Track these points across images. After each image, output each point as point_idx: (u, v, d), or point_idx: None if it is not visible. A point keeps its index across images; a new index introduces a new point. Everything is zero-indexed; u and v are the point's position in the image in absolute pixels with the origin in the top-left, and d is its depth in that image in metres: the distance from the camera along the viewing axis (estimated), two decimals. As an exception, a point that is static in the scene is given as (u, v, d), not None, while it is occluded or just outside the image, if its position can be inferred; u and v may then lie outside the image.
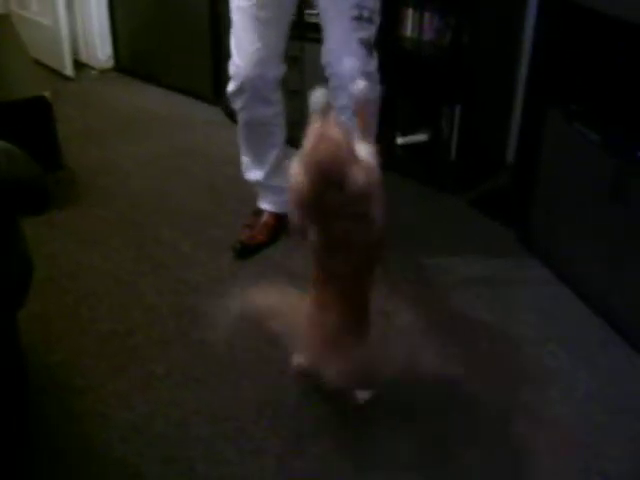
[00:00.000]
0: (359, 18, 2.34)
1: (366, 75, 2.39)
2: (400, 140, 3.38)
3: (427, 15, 3.15)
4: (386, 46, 3.20)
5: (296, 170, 1.63)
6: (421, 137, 3.35)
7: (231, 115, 3.76)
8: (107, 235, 2.80)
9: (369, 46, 2.40)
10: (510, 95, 3.25)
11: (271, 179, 2.68)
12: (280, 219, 2.76)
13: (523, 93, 3.04)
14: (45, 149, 2.89)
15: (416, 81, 3.27)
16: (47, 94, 2.87)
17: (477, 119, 3.13)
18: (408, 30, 3.23)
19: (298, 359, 1.98)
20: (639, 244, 2.20)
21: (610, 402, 2.08)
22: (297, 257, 2.67)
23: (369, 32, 2.38)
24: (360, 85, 1.90)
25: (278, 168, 2.68)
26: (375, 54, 2.45)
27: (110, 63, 4.51)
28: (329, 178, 1.59)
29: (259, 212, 2.78)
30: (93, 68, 4.48)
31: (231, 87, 2.50)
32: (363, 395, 1.99)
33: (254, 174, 2.70)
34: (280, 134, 2.66)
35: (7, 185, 1.45)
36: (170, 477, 1.82)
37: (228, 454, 1.88)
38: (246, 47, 2.40)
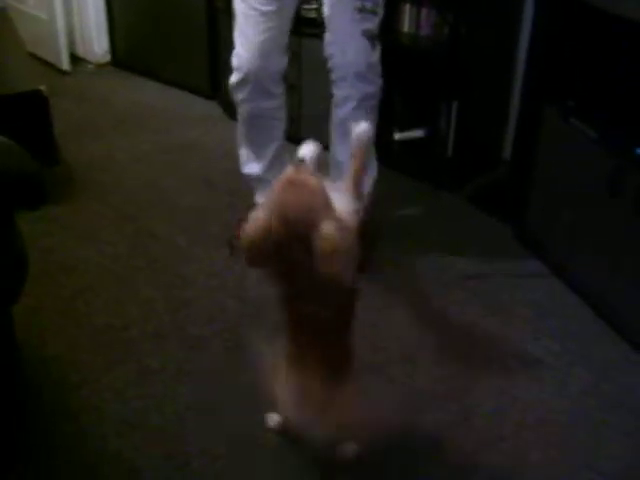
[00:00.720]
0: (362, 10, 2.35)
1: (368, 67, 2.43)
2: (397, 136, 3.37)
3: (424, 10, 3.14)
4: (383, 41, 3.20)
5: (259, 214, 1.48)
6: (418, 133, 3.34)
7: (228, 110, 3.76)
8: (103, 230, 2.79)
9: (372, 38, 2.41)
10: (507, 91, 3.24)
11: (269, 173, 2.68)
12: None
13: (520, 89, 3.03)
14: (41, 144, 2.88)
15: (413, 77, 3.26)
16: (43, 88, 2.86)
17: (474, 115, 3.13)
18: (405, 25, 3.22)
19: (274, 419, 1.90)
20: (636, 240, 2.21)
21: (606, 398, 2.08)
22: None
23: (372, 24, 2.39)
24: (363, 126, 1.75)
25: (277, 162, 2.67)
26: (378, 46, 2.46)
27: (107, 57, 4.49)
28: (295, 228, 1.42)
29: (255, 207, 2.77)
30: (90, 62, 4.47)
31: (234, 79, 2.50)
32: (350, 449, 1.81)
33: (252, 168, 2.69)
34: (280, 128, 2.66)
35: (2, 179, 1.44)
36: (166, 472, 1.82)
37: (224, 450, 1.88)
38: (250, 39, 2.40)
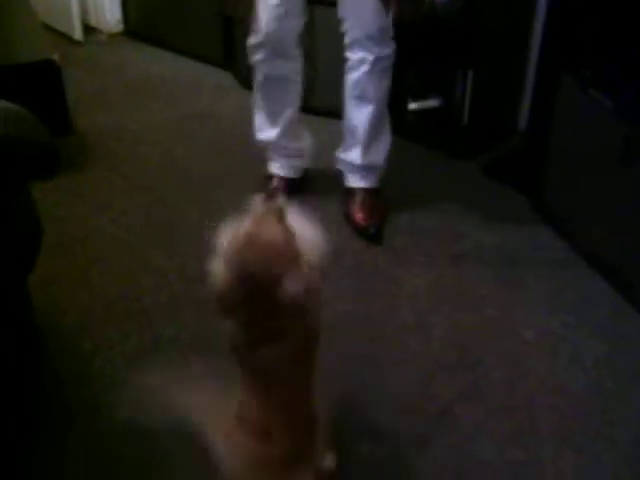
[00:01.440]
0: None
1: (381, 30, 2.42)
2: (412, 105, 3.34)
3: (440, -23, 3.10)
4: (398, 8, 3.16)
5: (217, 268, 1.38)
6: (433, 102, 3.31)
7: (241, 79, 3.74)
8: (116, 199, 2.79)
9: (387, 1, 2.38)
10: (523, 60, 3.20)
11: (284, 139, 2.68)
12: (290, 184, 2.75)
13: (537, 57, 2.99)
14: (54, 113, 2.88)
15: (428, 45, 3.23)
16: (56, 57, 2.85)
17: (489, 84, 3.09)
18: (421, -8, 3.18)
19: None
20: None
21: (619, 369, 2.08)
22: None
23: None
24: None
25: (291, 128, 2.68)
26: (391, 9, 2.42)
27: (119, 27, 4.46)
28: (258, 285, 1.31)
29: (269, 177, 2.77)
30: (102, 32, 4.44)
31: (252, 40, 2.51)
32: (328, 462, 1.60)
33: (266, 134, 2.69)
34: (296, 92, 2.66)
35: (17, 148, 1.44)
36: (179, 438, 1.83)
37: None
38: (266, 1, 2.40)
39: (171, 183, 2.90)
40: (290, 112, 2.66)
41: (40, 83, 2.83)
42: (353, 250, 2.55)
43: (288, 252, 1.31)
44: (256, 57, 2.54)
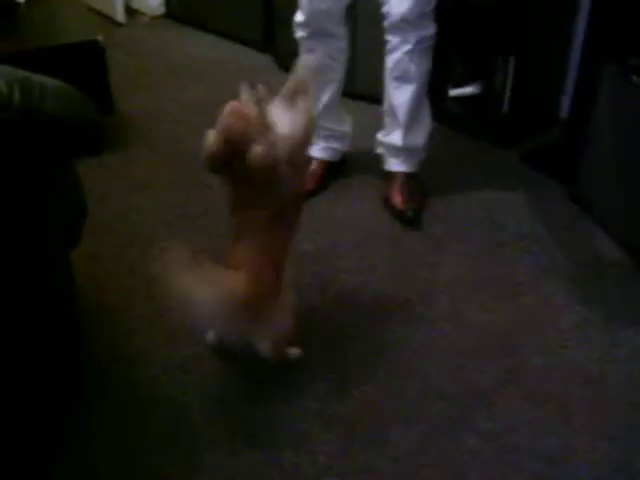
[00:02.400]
0: None
1: (422, 15, 2.42)
2: (452, 92, 3.32)
3: (483, -38, 3.07)
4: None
5: (212, 134, 1.78)
6: (473, 89, 3.29)
7: (282, 62, 3.75)
8: (157, 179, 2.83)
9: None
10: (567, 47, 3.17)
11: (324, 120, 2.68)
12: (329, 167, 2.76)
13: (581, 45, 2.96)
14: (97, 93, 2.90)
15: (469, 31, 3.20)
16: (100, 38, 2.88)
17: (531, 71, 3.07)
18: (463, -22, 3.16)
19: (210, 336, 2.03)
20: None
21: (656, 361, 2.07)
22: (343, 207, 2.68)
23: None
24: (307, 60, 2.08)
25: (332, 110, 2.69)
26: None
27: (161, 10, 4.50)
28: (234, 146, 1.73)
29: (309, 158, 2.78)
30: (144, 15, 4.48)
31: (298, 17, 2.55)
32: (295, 352, 2.00)
33: None
34: (340, 71, 2.67)
35: (65, 123, 1.47)
36: (216, 416, 1.87)
37: (274, 397, 1.92)
38: None
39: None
40: (332, 89, 2.66)
41: (84, 63, 2.86)
42: (390, 235, 2.56)
43: (260, 125, 1.74)
44: (299, 34, 2.57)
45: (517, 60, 3.01)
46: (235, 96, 1.81)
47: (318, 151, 2.77)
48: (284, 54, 3.73)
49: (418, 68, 2.52)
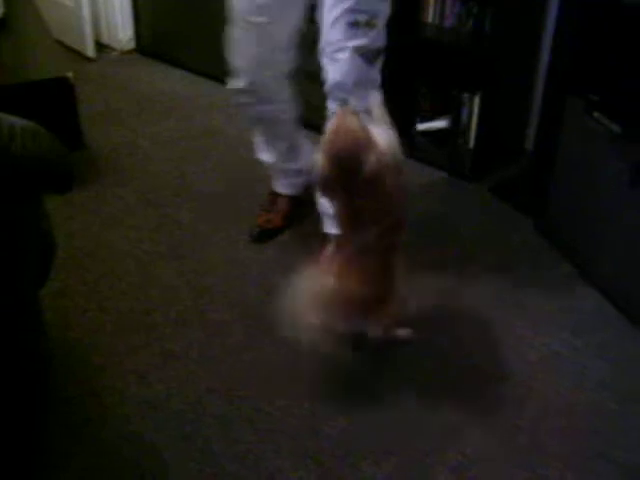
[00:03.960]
0: (355, 24, 2.12)
1: (358, 84, 2.18)
2: (420, 126, 3.37)
3: (449, 1, 3.14)
4: (407, 32, 3.20)
5: (319, 159, 1.84)
6: (441, 124, 3.34)
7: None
8: (126, 215, 2.82)
9: (368, 54, 2.18)
10: (531, 83, 3.24)
11: (284, 163, 2.69)
12: (295, 203, 2.77)
13: (544, 81, 3.03)
14: (67, 129, 2.92)
15: (437, 68, 3.27)
16: (70, 75, 2.89)
17: (497, 106, 3.13)
18: (429, 16, 3.22)
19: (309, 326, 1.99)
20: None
21: (622, 390, 2.10)
22: (314, 241, 2.69)
23: (368, 39, 2.15)
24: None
25: (292, 152, 2.68)
26: (378, 61, 2.25)
27: (131, 44, 4.52)
28: (347, 166, 1.81)
29: (275, 195, 2.80)
30: (114, 49, 4.50)
31: (234, 85, 2.44)
32: (405, 332, 2.20)
33: (266, 156, 2.71)
34: (288, 125, 2.61)
35: (32, 164, 1.47)
36: (186, 454, 1.85)
37: (244, 433, 1.91)
38: (244, 51, 2.34)
39: (181, 199, 2.93)
40: (284, 144, 2.64)
41: (53, 99, 2.87)
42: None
43: (365, 139, 1.81)
44: (240, 100, 2.48)
45: (483, 95, 3.07)
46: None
47: (283, 187, 2.78)
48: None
49: None
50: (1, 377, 1.68)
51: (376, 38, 2.19)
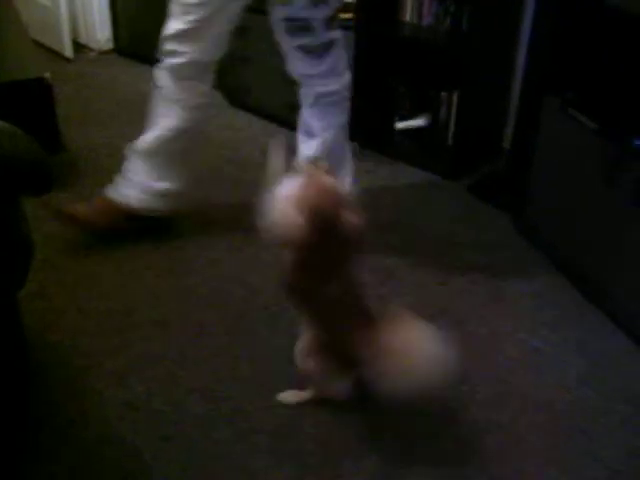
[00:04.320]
0: (289, 30, 2.32)
1: (310, 77, 2.41)
2: (398, 125, 3.39)
3: (426, 0, 3.16)
4: (385, 31, 3.22)
5: (293, 219, 1.70)
6: (419, 122, 3.36)
7: (230, 97, 3.77)
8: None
9: (314, 50, 2.35)
10: (508, 81, 3.26)
11: (155, 181, 2.63)
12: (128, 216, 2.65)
13: (521, 79, 3.05)
14: (45, 131, 2.90)
15: (414, 66, 3.28)
16: (47, 75, 2.87)
17: (475, 104, 3.15)
18: (407, 15, 3.24)
19: (288, 397, 2.02)
20: (634, 231, 2.23)
21: (604, 387, 2.11)
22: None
23: (310, 38, 2.32)
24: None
25: (164, 172, 2.62)
26: (332, 50, 2.38)
27: (109, 45, 4.50)
28: (333, 225, 1.71)
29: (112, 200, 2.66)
30: (92, 49, 4.48)
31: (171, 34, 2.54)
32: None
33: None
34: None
35: (10, 166, 1.46)
36: (167, 454, 1.85)
37: (224, 433, 1.91)
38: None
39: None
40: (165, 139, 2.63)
41: (31, 100, 2.85)
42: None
43: (343, 199, 1.73)
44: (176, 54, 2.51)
45: (461, 94, 3.09)
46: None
47: (127, 197, 2.63)
48: (233, 90, 3.76)
49: (320, 123, 2.49)
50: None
51: (318, 37, 2.32)
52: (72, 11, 4.32)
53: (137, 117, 3.62)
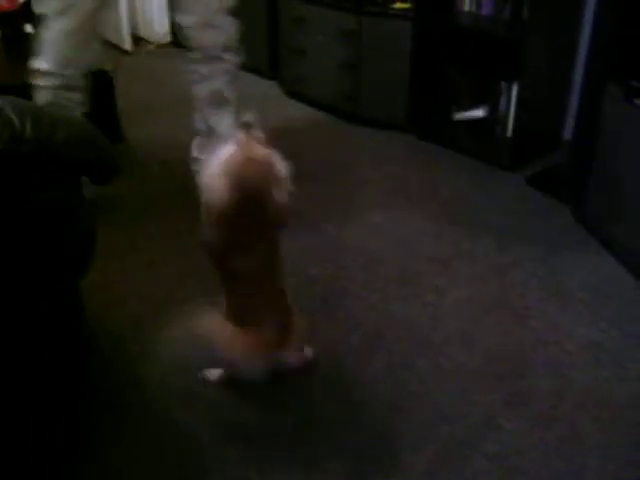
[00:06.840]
0: None
1: None
2: (457, 116, 3.35)
3: (486, -11, 3.13)
4: (443, 21, 3.19)
5: (218, 185, 1.63)
6: (478, 113, 3.32)
7: (287, 90, 3.79)
8: (165, 206, 2.86)
9: None
10: (569, 71, 3.20)
11: None
12: None
13: (583, 69, 2.99)
14: (106, 122, 2.95)
15: (473, 56, 3.24)
16: (109, 68, 2.92)
17: (535, 95, 3.10)
18: (466, 5, 3.20)
19: (214, 373, 2.03)
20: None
21: (664, 382, 2.07)
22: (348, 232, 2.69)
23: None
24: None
25: None
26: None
27: (167, 38, 4.56)
28: (258, 198, 1.63)
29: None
30: (151, 42, 4.54)
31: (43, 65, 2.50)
32: (308, 353, 2.07)
33: None
34: None
35: (76, 153, 1.49)
36: (226, 442, 1.87)
37: (282, 422, 1.92)
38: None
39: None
40: None
41: (94, 92, 2.89)
42: (397, 257, 2.57)
43: (275, 171, 1.65)
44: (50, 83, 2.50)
45: (520, 85, 3.04)
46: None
47: None
48: (289, 81, 3.78)
49: None
50: (43, 367, 1.70)
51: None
52: (131, 6, 4.38)
53: (193, 109, 3.68)
